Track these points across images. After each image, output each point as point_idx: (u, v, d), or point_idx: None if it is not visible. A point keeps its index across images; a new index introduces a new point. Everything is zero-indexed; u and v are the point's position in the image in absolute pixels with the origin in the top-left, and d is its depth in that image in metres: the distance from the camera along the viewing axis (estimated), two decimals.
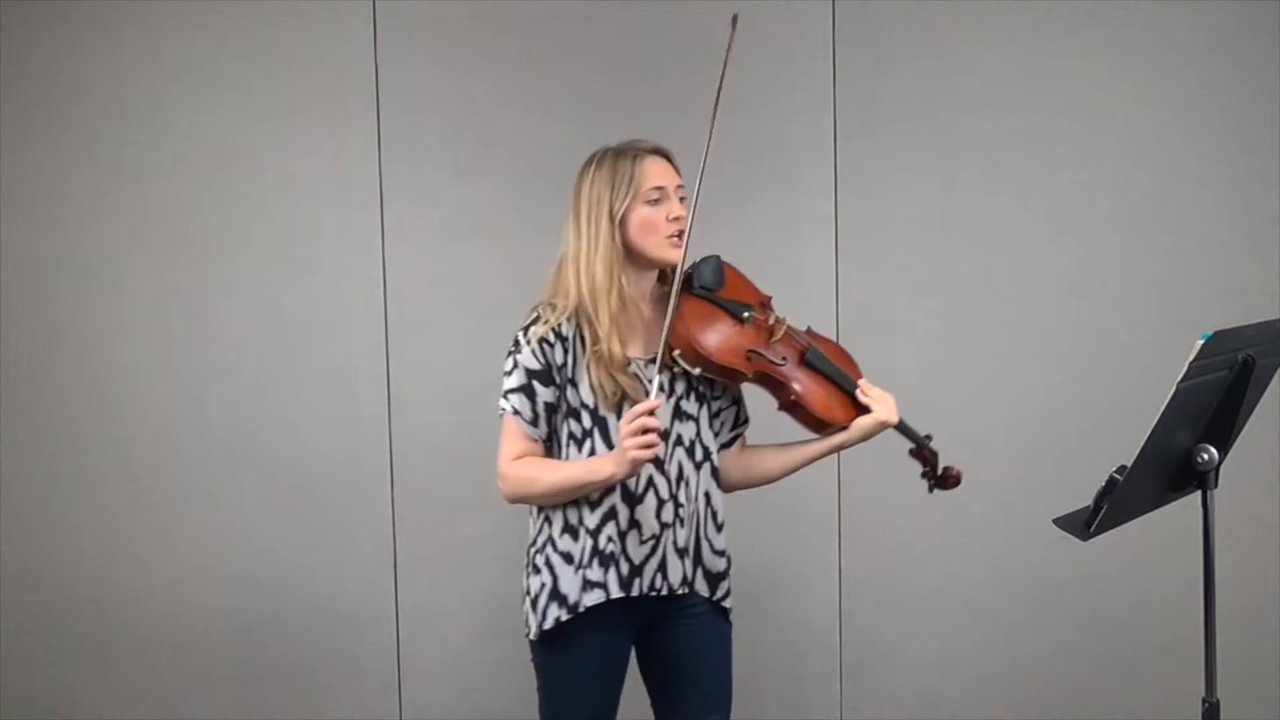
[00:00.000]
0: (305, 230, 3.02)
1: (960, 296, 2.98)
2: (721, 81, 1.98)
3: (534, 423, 2.04)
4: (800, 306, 2.96)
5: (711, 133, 1.97)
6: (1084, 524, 1.79)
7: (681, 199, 2.07)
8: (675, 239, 2.04)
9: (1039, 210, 2.95)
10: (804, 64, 2.97)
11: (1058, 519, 1.88)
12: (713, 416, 2.14)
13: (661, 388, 2.03)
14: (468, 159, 3.01)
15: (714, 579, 2.12)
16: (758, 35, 2.98)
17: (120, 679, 3.10)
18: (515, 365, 2.04)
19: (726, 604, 2.14)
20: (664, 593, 2.05)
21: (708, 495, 2.11)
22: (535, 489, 2.04)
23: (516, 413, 2.04)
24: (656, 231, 2.03)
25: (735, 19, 1.98)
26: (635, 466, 1.93)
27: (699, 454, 2.09)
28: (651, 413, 1.89)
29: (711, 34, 2.95)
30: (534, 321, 2.04)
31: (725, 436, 2.18)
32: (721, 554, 2.13)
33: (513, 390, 2.05)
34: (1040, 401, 2.97)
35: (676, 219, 2.04)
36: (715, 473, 2.12)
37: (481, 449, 3.03)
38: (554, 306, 2.05)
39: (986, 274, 2.97)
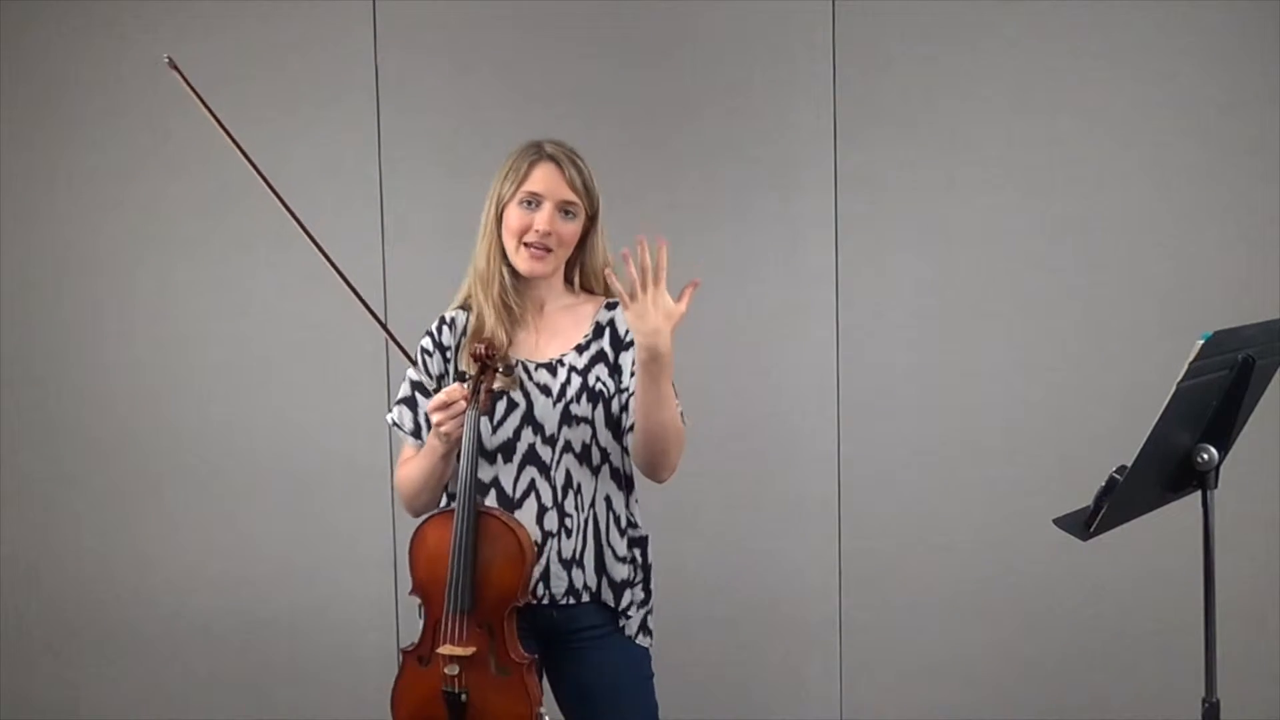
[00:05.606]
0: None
1: (960, 296, 2.97)
2: (214, 115, 2.08)
3: (415, 434, 2.02)
4: (800, 306, 3.00)
5: (247, 157, 2.09)
6: (1084, 524, 1.79)
7: (568, 213, 1.98)
8: (536, 251, 1.96)
9: (1039, 210, 2.95)
10: (804, 63, 2.97)
11: (1058, 519, 1.87)
12: (612, 416, 1.99)
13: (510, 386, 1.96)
14: (468, 159, 3.00)
15: (618, 587, 1.98)
16: (758, 35, 2.98)
17: (120, 679, 3.10)
18: (406, 376, 2.04)
19: (631, 614, 2.00)
20: (545, 601, 1.95)
21: (608, 500, 1.99)
22: (408, 487, 2.01)
23: (396, 425, 2.04)
24: (515, 235, 1.98)
25: (167, 60, 2.01)
26: (441, 437, 1.88)
27: (595, 457, 1.98)
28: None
29: (712, 33, 2.99)
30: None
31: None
32: (625, 560, 2.00)
33: (397, 401, 2.05)
34: (1040, 401, 2.97)
35: (539, 231, 1.96)
36: (617, 474, 2.01)
37: None
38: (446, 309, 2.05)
39: (986, 274, 2.97)
